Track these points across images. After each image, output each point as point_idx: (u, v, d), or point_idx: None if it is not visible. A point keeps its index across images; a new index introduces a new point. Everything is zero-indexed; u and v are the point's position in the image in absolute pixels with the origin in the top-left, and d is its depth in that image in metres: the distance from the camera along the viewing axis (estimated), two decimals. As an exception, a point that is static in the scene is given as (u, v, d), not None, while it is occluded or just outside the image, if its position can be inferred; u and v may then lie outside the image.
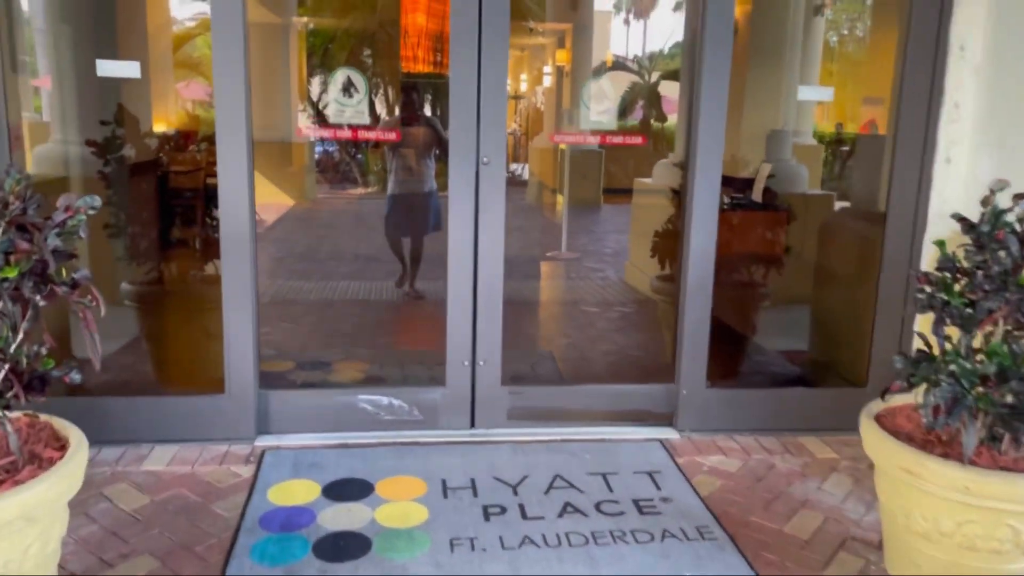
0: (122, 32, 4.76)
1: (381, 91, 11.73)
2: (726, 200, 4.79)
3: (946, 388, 2.30)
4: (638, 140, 3.54)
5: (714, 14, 3.31)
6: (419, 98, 7.23)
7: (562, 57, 12.03)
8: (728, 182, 4.73)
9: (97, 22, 4.66)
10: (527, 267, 7.16)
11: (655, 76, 13.24)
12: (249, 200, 3.26)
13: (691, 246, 3.44)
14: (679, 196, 4.74)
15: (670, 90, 14.00)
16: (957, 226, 2.54)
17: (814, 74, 6.75)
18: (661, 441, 3.49)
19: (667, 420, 3.61)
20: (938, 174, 3.43)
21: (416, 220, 5.79)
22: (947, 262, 2.47)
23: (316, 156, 11.53)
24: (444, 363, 3.50)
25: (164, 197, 4.53)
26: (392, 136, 3.86)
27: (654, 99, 12.37)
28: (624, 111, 12.59)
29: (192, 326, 4.08)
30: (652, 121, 12.42)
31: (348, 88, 3.33)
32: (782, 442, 3.53)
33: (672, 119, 14.22)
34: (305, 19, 13.07)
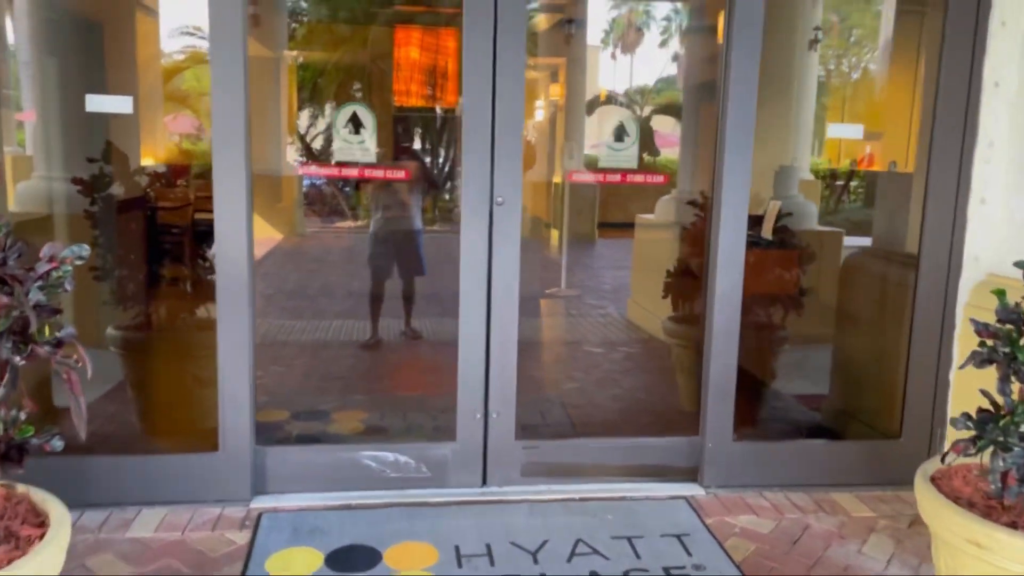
0: (111, 65, 4.57)
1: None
2: None
3: (1019, 453, 2.10)
4: (660, 179, 3.36)
5: (740, 48, 3.16)
6: (408, 133, 7.02)
7: (555, 91, 11.97)
8: None
9: (85, 55, 4.47)
10: (527, 304, 6.89)
11: (647, 110, 13.19)
12: (248, 244, 3.05)
13: (716, 289, 3.25)
14: (690, 234, 4.59)
15: (661, 124, 13.97)
16: (994, 270, 2.36)
17: (811, 108, 6.67)
18: (687, 499, 3.27)
19: (691, 475, 3.39)
20: (973, 215, 3.27)
21: (404, 261, 5.48)
22: (1009, 312, 2.29)
23: (304, 189, 11.35)
24: (452, 412, 3.28)
25: (153, 235, 4.30)
26: (401, 175, 3.68)
27: (647, 133, 12.30)
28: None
29: (182, 374, 3.83)
30: (644, 155, 12.34)
31: (356, 124, 3.14)
32: (814, 499, 3.32)
33: (665, 154, 14.17)
34: (295, 53, 12.96)
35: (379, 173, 3.35)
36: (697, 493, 3.32)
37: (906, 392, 3.41)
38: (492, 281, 3.18)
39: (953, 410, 3.34)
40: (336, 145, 3.10)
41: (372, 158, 3.11)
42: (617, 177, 3.21)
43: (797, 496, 3.33)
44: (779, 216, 4.50)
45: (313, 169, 3.38)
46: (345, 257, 9.94)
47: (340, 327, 6.47)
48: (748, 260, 4.46)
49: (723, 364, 3.30)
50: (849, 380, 4.08)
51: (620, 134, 3.23)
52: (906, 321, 3.52)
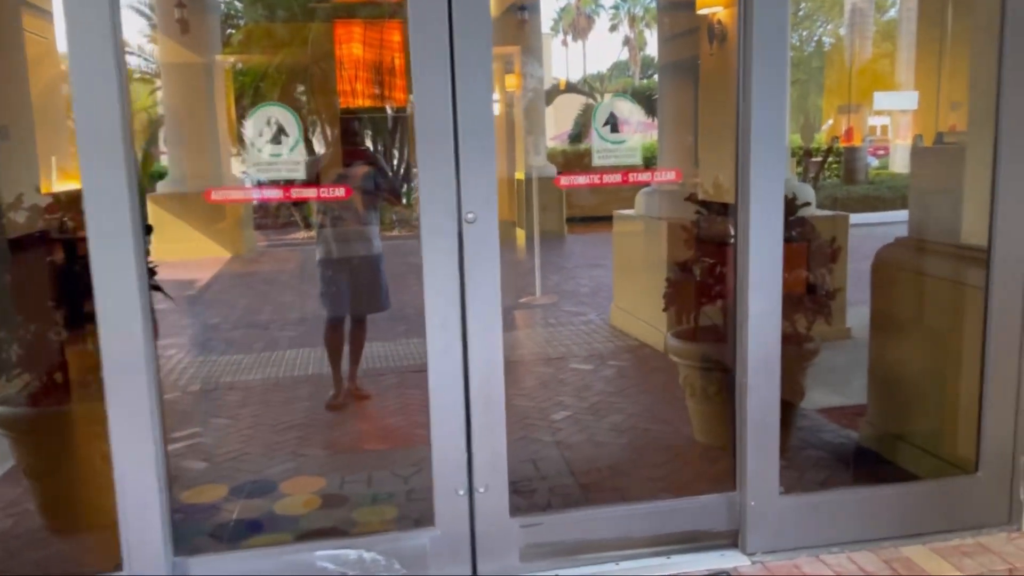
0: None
1: (319, 129, 10.76)
2: (732, 232, 3.97)
3: None
4: (671, 176, 2.65)
5: (765, 17, 2.46)
6: (360, 132, 5.96)
7: (511, 82, 11.23)
8: (721, 209, 3.90)
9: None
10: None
11: (608, 96, 12.53)
12: (139, 291, 2.28)
13: (750, 311, 2.55)
14: (690, 233, 3.90)
15: (620, 109, 13.29)
16: None
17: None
18: (728, 574, 2.58)
19: (730, 540, 2.70)
20: (1054, 195, 2.63)
21: (361, 294, 4.35)
22: None
23: (255, 204, 10.48)
24: (430, 491, 2.54)
25: (62, 276, 3.48)
26: (340, 192, 2.90)
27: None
28: (580, 135, 11.83)
29: (83, 464, 3.03)
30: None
31: (277, 133, 2.37)
32: (883, 559, 2.64)
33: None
34: (232, 58, 12.05)
35: (311, 192, 2.53)
36: (740, 564, 2.63)
37: (981, 416, 2.75)
38: (468, 322, 2.45)
39: (1041, 435, 2.70)
40: (251, 160, 2.34)
41: (300, 172, 2.35)
42: (617, 177, 2.49)
43: (862, 557, 2.66)
44: (793, 206, 3.82)
45: (223, 195, 2.46)
46: (300, 276, 9.11)
47: (295, 359, 5.68)
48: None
49: (762, 402, 2.60)
50: (894, 395, 3.41)
51: (615, 122, 2.51)
52: (971, 328, 2.87)
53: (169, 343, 6.29)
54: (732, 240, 3.93)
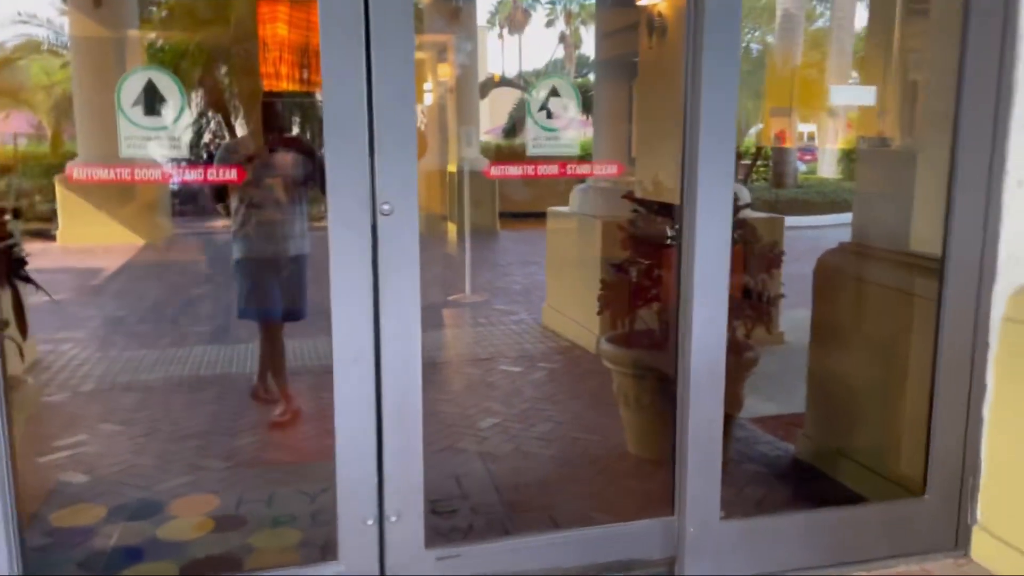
0: None
1: (241, 114, 10.22)
2: (670, 233, 3.76)
3: None
4: (613, 170, 2.38)
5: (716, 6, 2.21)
6: (284, 116, 5.23)
7: (444, 72, 10.86)
8: (660, 208, 3.67)
9: None
10: (427, 316, 5.89)
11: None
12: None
13: (694, 320, 2.30)
14: (627, 233, 3.66)
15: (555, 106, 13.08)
16: None
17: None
18: (666, 607, 2.34)
19: (666, 569, 2.45)
20: (1009, 203, 2.47)
21: (275, 298, 3.80)
22: None
23: (174, 187, 9.84)
24: (334, 519, 2.21)
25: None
26: (231, 175, 2.50)
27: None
28: (514, 129, 11.55)
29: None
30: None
31: (151, 101, 2.00)
32: (829, 587, 2.45)
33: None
34: (150, 35, 11.34)
35: (195, 175, 2.12)
36: (678, 596, 2.39)
37: (930, 435, 2.58)
38: (381, 327, 2.12)
39: (990, 454, 2.55)
40: (124, 134, 1.95)
41: (182, 150, 1.98)
42: (554, 169, 2.20)
43: (806, 585, 2.46)
44: (735, 207, 3.61)
45: (86, 174, 2.03)
46: (216, 266, 8.56)
47: (202, 357, 5.23)
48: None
49: (705, 419, 2.36)
50: (832, 406, 3.25)
51: (556, 107, 2.22)
52: (919, 340, 2.70)
53: (65, 337, 5.74)
54: (670, 241, 3.73)
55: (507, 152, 12.16)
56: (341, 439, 2.15)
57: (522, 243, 9.63)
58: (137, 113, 1.98)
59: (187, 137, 2.03)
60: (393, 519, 2.20)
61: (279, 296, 3.84)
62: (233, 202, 3.77)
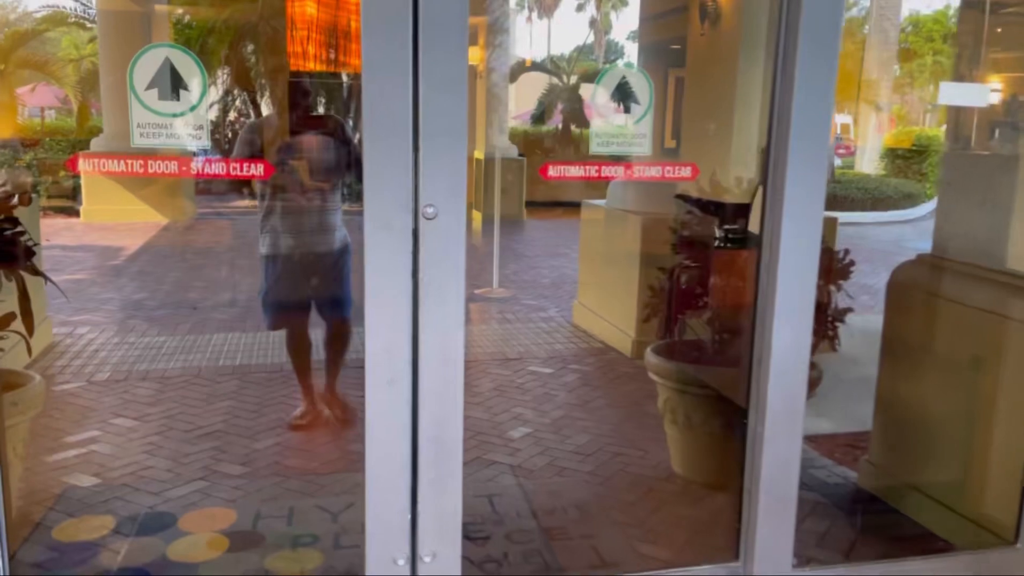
0: None
1: (267, 94, 9.95)
2: (718, 233, 3.46)
3: None
4: (687, 173, 2.08)
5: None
6: (311, 95, 4.69)
7: (475, 56, 10.54)
8: (716, 208, 3.38)
9: None
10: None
11: (574, 78, 11.92)
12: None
13: (774, 346, 2.01)
14: (681, 236, 3.37)
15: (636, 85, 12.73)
16: None
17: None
18: (728, 665, 2.06)
19: (728, 619, 2.18)
20: None
21: (318, 292, 3.44)
22: None
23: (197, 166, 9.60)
24: (362, 555, 1.95)
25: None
26: (271, 157, 2.24)
27: (576, 103, 11.04)
28: (543, 115, 11.23)
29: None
30: (573, 127, 11.09)
31: (172, 83, 1.73)
32: (910, 648, 2.17)
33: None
34: (178, 10, 11.09)
35: (217, 168, 1.82)
36: (742, 652, 2.12)
37: (1027, 477, 2.28)
38: (420, 346, 1.85)
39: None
40: (137, 120, 1.68)
41: (205, 140, 1.71)
42: (619, 171, 1.91)
43: (884, 643, 2.18)
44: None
45: (93, 166, 1.80)
46: (238, 248, 8.33)
47: (223, 345, 5.01)
48: (737, 264, 3.32)
49: (780, 458, 2.07)
50: (910, 439, 2.94)
51: (626, 100, 1.92)
52: (1014, 368, 2.40)
53: (83, 320, 5.54)
54: (721, 243, 3.43)
55: (535, 139, 11.83)
56: (372, 469, 1.89)
57: (550, 233, 9.34)
58: (152, 97, 1.71)
59: (207, 123, 1.76)
60: (427, 560, 1.94)
61: (312, 299, 3.48)
62: (257, 187, 3.48)
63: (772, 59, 2.01)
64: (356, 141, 3.57)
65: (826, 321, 3.05)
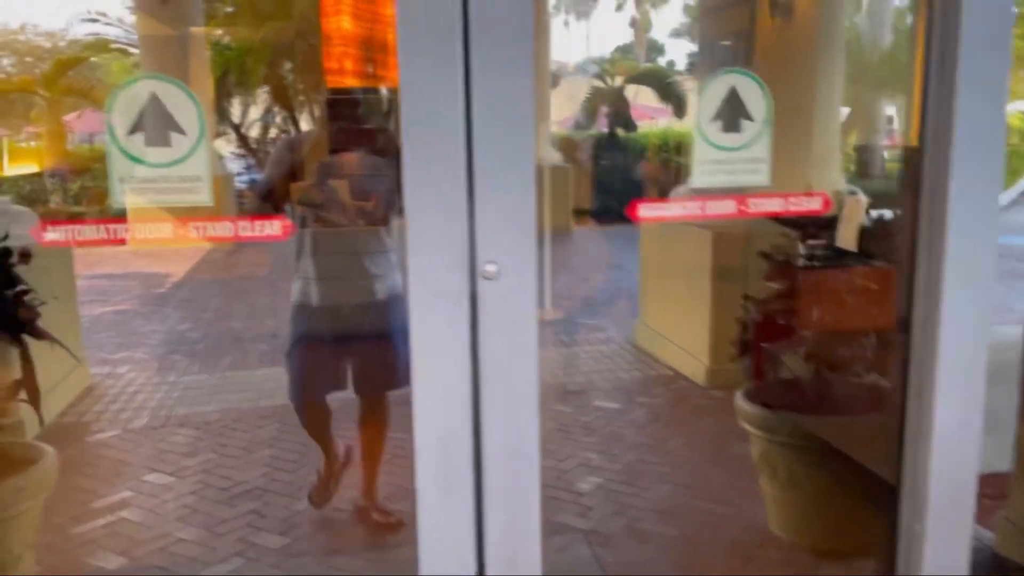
0: None
1: (306, 111, 9.72)
2: (801, 250, 2.97)
3: None
4: (816, 205, 1.63)
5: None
6: (352, 112, 3.74)
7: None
8: (796, 222, 2.88)
9: None
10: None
11: (618, 80, 11.42)
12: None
13: (935, 424, 1.55)
14: (775, 261, 2.90)
15: (635, 94, 12.29)
16: None
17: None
18: None
19: None
20: None
21: (361, 359, 2.72)
22: None
23: (238, 188, 9.39)
24: None
25: None
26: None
27: (621, 106, 10.56)
28: (587, 122, 10.78)
29: None
30: (618, 131, 10.61)
31: (160, 126, 1.34)
32: None
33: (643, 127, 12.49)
34: (217, 31, 10.95)
35: (245, 228, 1.38)
36: None
37: None
38: (483, 438, 1.44)
39: None
40: (118, 173, 1.31)
41: (204, 195, 1.33)
42: (730, 206, 1.47)
43: None
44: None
45: (59, 235, 1.45)
46: (282, 272, 8.03)
47: (264, 382, 4.68)
48: (825, 284, 2.83)
49: (942, 561, 1.60)
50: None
51: (734, 115, 1.48)
52: None
53: (124, 357, 5.29)
54: (808, 261, 2.94)
55: (578, 145, 11.39)
56: (428, 597, 1.48)
57: (599, 244, 8.88)
58: (137, 145, 1.33)
59: (207, 173, 1.38)
60: None
61: (347, 367, 2.76)
62: (297, 215, 2.95)
63: (916, 48, 1.55)
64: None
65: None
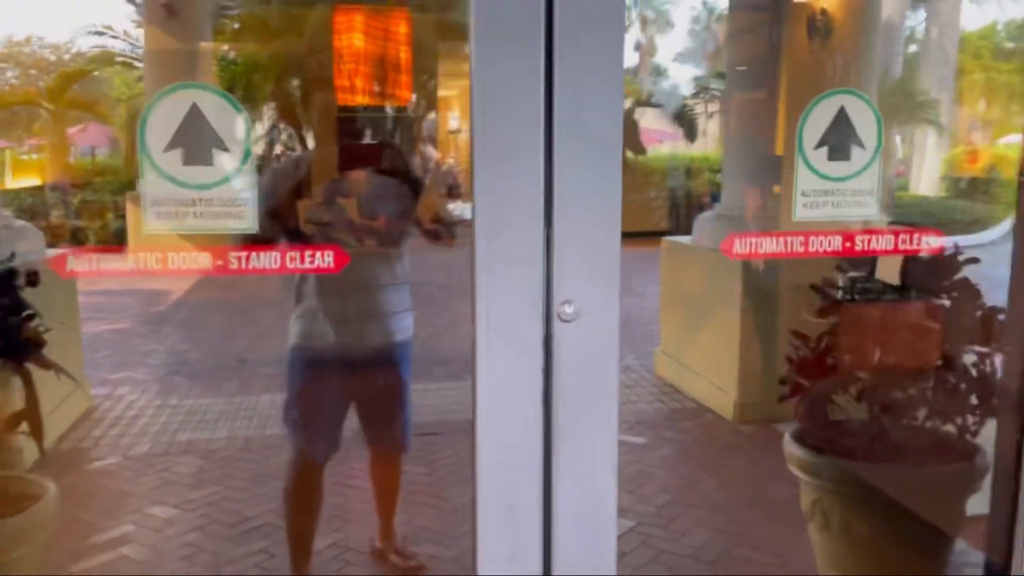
0: None
1: (314, 129, 9.55)
2: (841, 282, 2.80)
3: None
4: (934, 243, 1.45)
5: None
6: (364, 126, 3.38)
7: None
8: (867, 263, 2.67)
9: None
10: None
11: (628, 101, 11.32)
12: None
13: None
14: (831, 298, 2.72)
15: (643, 116, 12.20)
16: None
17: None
18: None
19: None
20: None
21: (370, 413, 2.44)
22: None
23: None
24: None
25: None
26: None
27: (631, 128, 10.43)
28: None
29: None
30: (628, 153, 10.48)
31: (201, 142, 1.17)
32: None
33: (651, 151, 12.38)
34: (223, 46, 10.84)
35: (293, 260, 1.19)
36: None
37: None
38: (555, 503, 1.26)
39: None
40: (153, 195, 1.14)
41: (247, 220, 1.16)
42: (835, 242, 1.29)
43: None
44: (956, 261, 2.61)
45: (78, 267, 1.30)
46: (289, 288, 7.82)
47: (271, 407, 4.47)
48: (891, 324, 2.66)
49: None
50: None
51: (843, 141, 1.30)
52: None
53: (123, 378, 5.08)
54: (847, 294, 2.78)
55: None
56: None
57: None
58: (175, 163, 1.16)
59: (249, 188, 1.21)
60: None
61: (369, 408, 2.45)
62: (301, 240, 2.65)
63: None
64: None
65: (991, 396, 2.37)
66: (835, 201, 1.29)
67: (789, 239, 1.27)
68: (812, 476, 2.50)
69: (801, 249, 1.29)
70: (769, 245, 1.27)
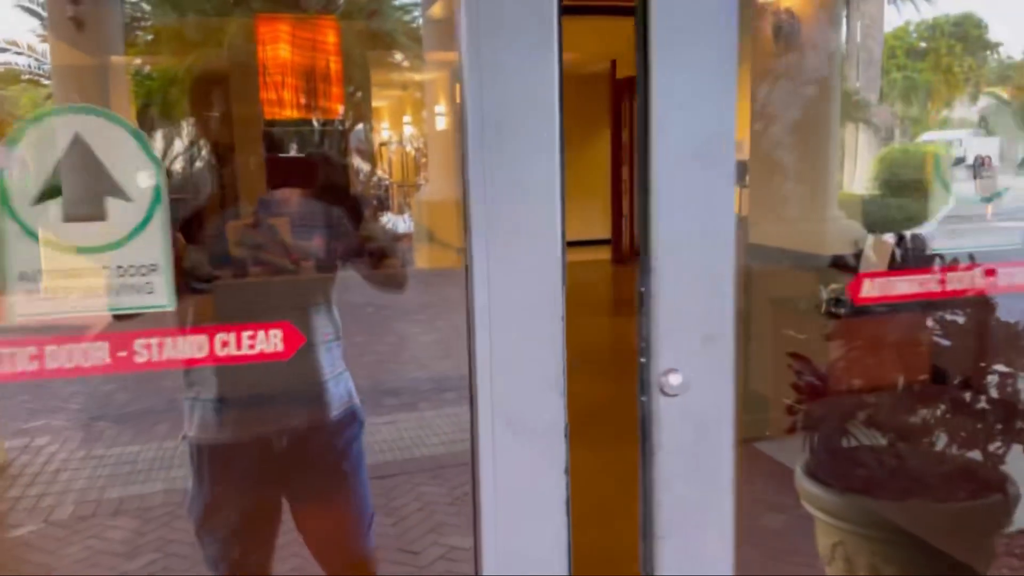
0: None
1: (236, 147, 9.04)
2: (824, 295, 2.64)
3: None
4: None
5: None
6: (295, 144, 2.76)
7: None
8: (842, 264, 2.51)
9: None
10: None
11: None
12: None
13: None
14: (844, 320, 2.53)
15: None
16: None
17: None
18: None
19: None
20: None
21: (328, 518, 1.69)
22: None
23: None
24: None
25: None
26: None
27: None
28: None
29: None
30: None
31: (97, 189, 0.82)
32: None
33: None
34: (136, 60, 10.16)
35: (191, 348, 0.85)
36: None
37: None
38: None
39: None
40: (20, 268, 0.79)
41: (159, 295, 0.82)
42: (976, 278, 1.06)
43: None
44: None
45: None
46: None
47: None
48: (904, 344, 2.50)
49: None
50: None
51: (981, 155, 1.07)
52: None
53: (41, 426, 4.50)
54: (834, 308, 2.61)
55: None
56: None
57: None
58: (51, 219, 0.81)
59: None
60: None
61: (295, 510, 1.69)
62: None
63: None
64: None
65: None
66: (981, 226, 1.05)
67: (922, 278, 1.02)
68: (831, 516, 2.29)
69: (921, 290, 1.04)
70: (903, 286, 1.01)
